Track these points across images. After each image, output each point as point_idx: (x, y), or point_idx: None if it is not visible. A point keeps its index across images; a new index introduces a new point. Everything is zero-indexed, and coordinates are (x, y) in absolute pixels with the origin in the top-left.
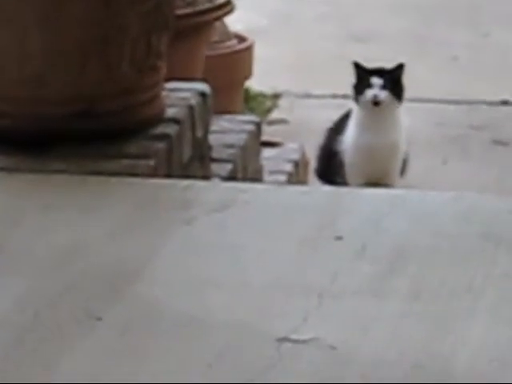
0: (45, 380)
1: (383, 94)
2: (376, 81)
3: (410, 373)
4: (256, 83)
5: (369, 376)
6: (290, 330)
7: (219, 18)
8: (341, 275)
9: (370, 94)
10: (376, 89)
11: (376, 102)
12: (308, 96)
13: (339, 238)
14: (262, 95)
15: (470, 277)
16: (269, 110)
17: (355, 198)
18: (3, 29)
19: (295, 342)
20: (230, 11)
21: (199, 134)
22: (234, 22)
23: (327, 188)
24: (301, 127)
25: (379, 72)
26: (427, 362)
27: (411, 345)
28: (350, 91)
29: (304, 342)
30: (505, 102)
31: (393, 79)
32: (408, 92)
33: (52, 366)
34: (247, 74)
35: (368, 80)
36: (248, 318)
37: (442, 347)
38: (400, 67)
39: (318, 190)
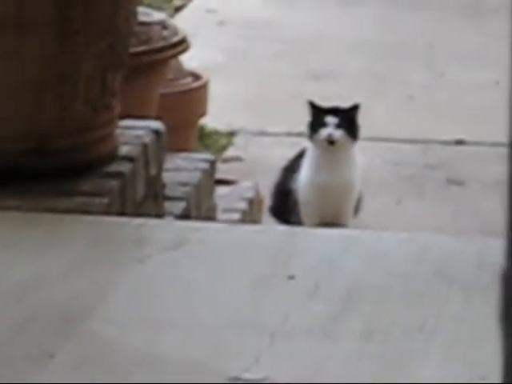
0: None
1: (338, 133)
2: (331, 120)
3: None
4: (211, 120)
5: None
6: (242, 369)
7: (174, 56)
8: (293, 315)
9: (324, 133)
10: (331, 128)
11: (331, 141)
12: (263, 134)
13: (292, 278)
14: (217, 133)
15: (423, 317)
16: (224, 148)
17: (309, 238)
18: None
19: (247, 381)
20: (185, 49)
21: (153, 171)
22: (189, 59)
23: (281, 227)
24: (255, 165)
25: (334, 111)
26: None
27: None
28: (304, 129)
29: (256, 381)
30: (459, 142)
31: (348, 118)
32: (364, 131)
33: None
34: (202, 112)
35: (323, 119)
36: (201, 356)
37: None
38: (355, 107)
39: (272, 228)
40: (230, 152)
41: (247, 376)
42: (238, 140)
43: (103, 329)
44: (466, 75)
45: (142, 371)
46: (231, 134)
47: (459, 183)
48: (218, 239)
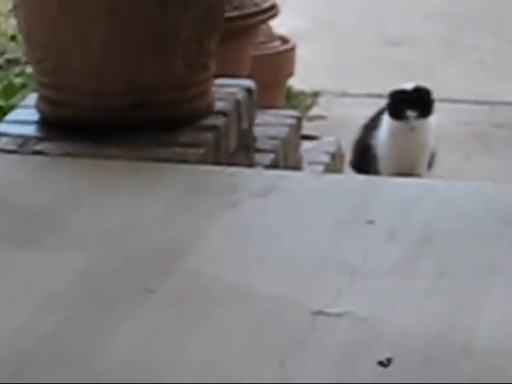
0: (100, 349)
1: (417, 123)
2: (411, 114)
3: (433, 344)
4: (297, 82)
5: (395, 346)
6: (324, 304)
7: (264, 21)
8: (371, 256)
9: (405, 125)
10: (411, 120)
11: (412, 128)
12: (345, 95)
13: (371, 222)
14: (303, 93)
15: (491, 258)
16: (309, 107)
17: (387, 186)
18: (67, 22)
19: (329, 315)
20: (275, 15)
21: (245, 125)
22: (278, 25)
23: (361, 177)
24: (337, 123)
25: (410, 100)
26: (449, 334)
27: (435, 319)
28: (383, 91)
29: (337, 315)
30: None
31: (425, 108)
32: (437, 93)
33: (107, 335)
34: (289, 73)
35: (404, 111)
36: (287, 292)
37: (464, 321)
38: (431, 98)
39: (353, 178)
40: (315, 111)
41: (329, 310)
42: (321, 100)
43: (199, 266)
44: None
45: (234, 304)
46: (315, 94)
47: None
48: (303, 187)
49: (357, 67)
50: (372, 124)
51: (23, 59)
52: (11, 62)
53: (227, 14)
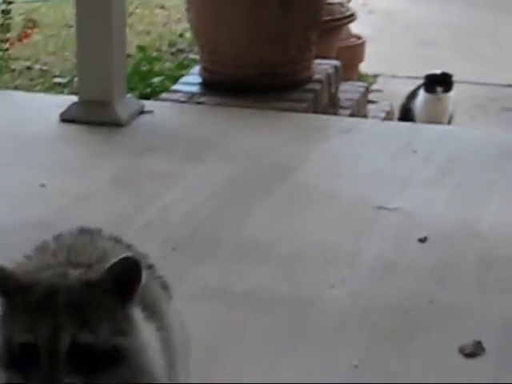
0: (240, 228)
1: (442, 96)
2: (439, 89)
3: (453, 228)
4: (365, 67)
5: (430, 229)
6: (384, 202)
7: (346, 24)
8: (415, 172)
9: (435, 96)
10: (439, 94)
11: (438, 99)
12: (394, 77)
13: (414, 152)
14: (368, 75)
15: (493, 176)
16: (371, 83)
17: (424, 129)
18: (222, 19)
19: (387, 209)
20: (353, 20)
21: (333, 90)
22: (354, 27)
23: (407, 123)
24: (389, 94)
25: (439, 80)
26: (465, 222)
27: (455, 212)
28: (419, 74)
29: (392, 209)
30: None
31: (448, 86)
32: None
33: (244, 218)
34: (360, 59)
35: (435, 86)
36: (360, 194)
37: (474, 214)
38: (450, 77)
39: (401, 124)
40: (375, 87)
41: (387, 206)
42: (379, 80)
43: (303, 178)
44: None
45: (326, 202)
46: (375, 76)
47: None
48: (371, 128)
49: (403, 59)
50: (411, 95)
51: (187, 49)
52: (179, 51)
53: (323, 18)
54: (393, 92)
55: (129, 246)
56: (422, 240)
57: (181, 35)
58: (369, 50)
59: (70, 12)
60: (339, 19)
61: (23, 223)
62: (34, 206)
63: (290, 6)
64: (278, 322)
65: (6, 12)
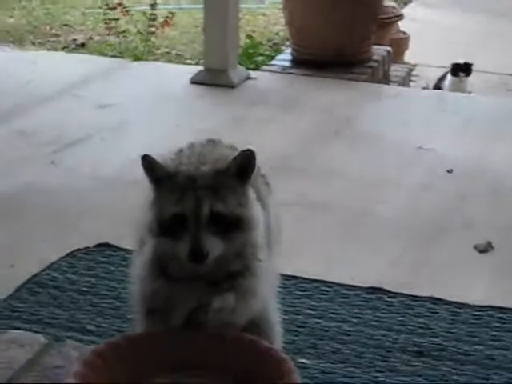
0: (314, 160)
1: (464, 79)
2: (461, 74)
3: (471, 164)
4: (407, 57)
5: (455, 164)
6: (421, 144)
7: (396, 21)
8: (445, 124)
9: (458, 79)
10: (461, 77)
11: (460, 82)
12: (429, 66)
13: (444, 111)
14: (409, 63)
15: (498, 126)
16: (412, 70)
17: (451, 96)
18: (311, 14)
19: (424, 149)
20: (401, 18)
21: (386, 68)
22: (401, 25)
23: (438, 91)
24: (424, 78)
25: (462, 68)
26: (478, 161)
27: (471, 151)
28: (447, 64)
29: (427, 149)
30: None
31: (468, 72)
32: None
33: (317, 153)
34: (406, 49)
35: (458, 72)
36: (404, 137)
37: (487, 155)
38: (470, 65)
39: (434, 92)
40: (414, 73)
41: (424, 147)
42: (418, 68)
43: (361, 126)
44: None
45: (378, 143)
46: (414, 65)
47: None
48: (413, 94)
49: (435, 53)
50: (441, 78)
51: (280, 43)
52: (275, 44)
53: (380, 16)
54: (427, 77)
55: None
56: (449, 171)
57: (277, 33)
58: (410, 46)
59: (198, 16)
60: (391, 17)
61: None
62: (170, 141)
63: (358, 4)
64: (340, 224)
65: (152, 7)
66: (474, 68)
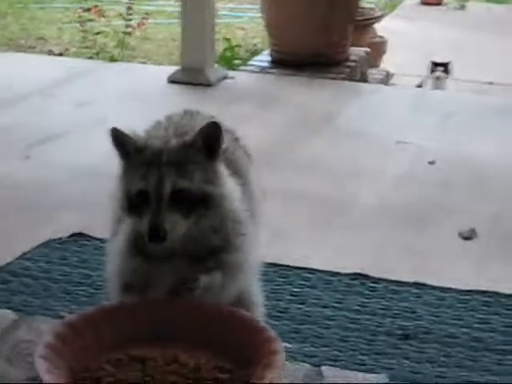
0: (302, 150)
1: (443, 77)
2: (439, 68)
3: (455, 154)
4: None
5: (438, 157)
6: (401, 138)
7: (374, 23)
8: (425, 118)
9: (435, 74)
10: (439, 72)
11: (438, 78)
12: (405, 75)
13: (424, 107)
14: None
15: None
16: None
17: (430, 92)
18: (288, 18)
19: (403, 143)
20: (379, 20)
21: (363, 69)
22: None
23: (418, 89)
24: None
25: (440, 64)
26: (464, 152)
27: (456, 146)
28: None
29: (407, 142)
30: None
31: (446, 69)
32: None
33: (297, 149)
34: (383, 54)
35: (436, 68)
36: (384, 132)
37: (466, 147)
38: (449, 63)
39: (414, 89)
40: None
41: (404, 140)
42: (395, 77)
43: (343, 122)
44: None
45: (359, 138)
46: (392, 74)
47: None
48: (391, 91)
49: (411, 62)
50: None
51: (258, 50)
52: (254, 51)
53: (358, 18)
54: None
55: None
56: (431, 162)
57: (255, 45)
58: (386, 56)
59: (175, 31)
60: (369, 19)
61: None
62: None
63: (334, 5)
64: (323, 213)
65: (128, 8)
66: (450, 78)
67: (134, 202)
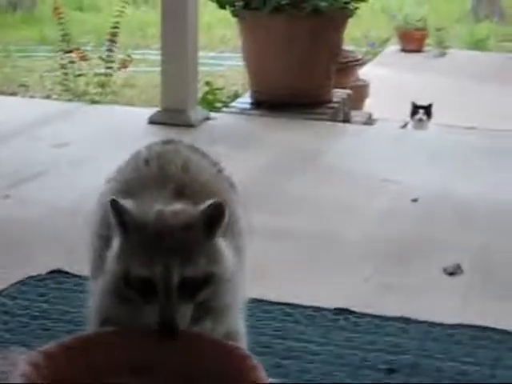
0: (287, 187)
1: (424, 117)
2: (420, 111)
3: (440, 192)
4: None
5: (422, 194)
6: (386, 176)
7: (356, 66)
8: (410, 158)
9: (417, 116)
10: (420, 115)
11: (420, 119)
12: (388, 120)
13: (408, 146)
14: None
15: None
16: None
17: (414, 132)
18: (270, 64)
19: (389, 180)
20: (362, 64)
21: (346, 110)
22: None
23: (401, 130)
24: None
25: (421, 107)
26: (448, 189)
27: (441, 184)
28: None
29: (393, 181)
30: None
31: (428, 111)
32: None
33: (281, 187)
34: (366, 96)
35: (418, 111)
36: (369, 171)
37: (450, 184)
38: (431, 106)
39: (398, 130)
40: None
41: (389, 178)
42: (378, 122)
43: (328, 161)
44: None
45: (344, 176)
46: (375, 119)
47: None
48: (375, 132)
49: (392, 107)
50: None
51: (239, 94)
52: (235, 95)
53: (340, 60)
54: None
55: (204, 154)
56: (415, 200)
57: (235, 92)
58: (368, 102)
59: (157, 79)
60: (351, 61)
61: None
62: None
63: (316, 44)
64: (307, 250)
65: (109, 51)
66: (432, 122)
67: (135, 286)
